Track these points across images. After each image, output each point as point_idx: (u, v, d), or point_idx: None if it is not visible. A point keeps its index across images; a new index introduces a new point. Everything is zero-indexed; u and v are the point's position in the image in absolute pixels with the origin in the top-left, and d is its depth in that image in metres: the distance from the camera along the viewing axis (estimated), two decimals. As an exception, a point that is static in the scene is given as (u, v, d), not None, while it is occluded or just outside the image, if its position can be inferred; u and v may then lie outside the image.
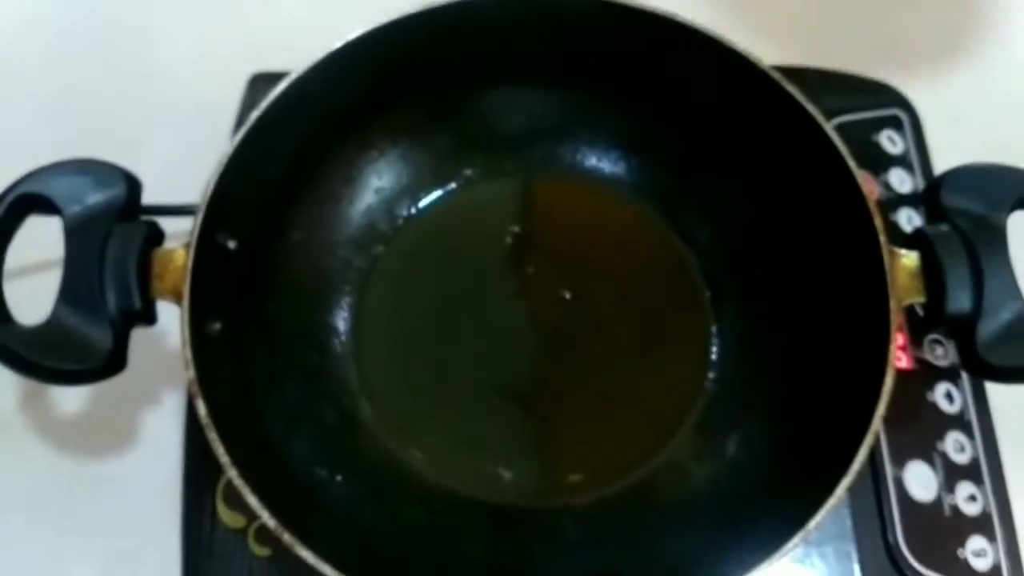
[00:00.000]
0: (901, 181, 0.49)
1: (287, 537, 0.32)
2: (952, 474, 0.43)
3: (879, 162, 0.50)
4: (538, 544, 0.40)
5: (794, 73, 0.40)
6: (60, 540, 0.44)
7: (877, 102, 0.51)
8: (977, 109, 0.55)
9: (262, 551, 0.41)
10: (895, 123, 0.51)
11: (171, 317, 0.36)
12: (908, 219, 0.48)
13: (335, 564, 0.32)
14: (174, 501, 0.43)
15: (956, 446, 0.43)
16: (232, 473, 0.33)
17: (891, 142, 0.50)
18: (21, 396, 0.46)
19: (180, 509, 0.43)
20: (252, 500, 0.33)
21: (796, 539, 0.32)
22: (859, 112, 0.50)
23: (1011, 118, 0.55)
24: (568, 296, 0.45)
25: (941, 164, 0.50)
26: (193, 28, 0.57)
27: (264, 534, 0.41)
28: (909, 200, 0.49)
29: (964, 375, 0.45)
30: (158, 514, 0.43)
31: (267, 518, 0.32)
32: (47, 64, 0.56)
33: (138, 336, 0.37)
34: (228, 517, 0.41)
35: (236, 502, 0.41)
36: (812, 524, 0.33)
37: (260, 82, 0.50)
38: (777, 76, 0.39)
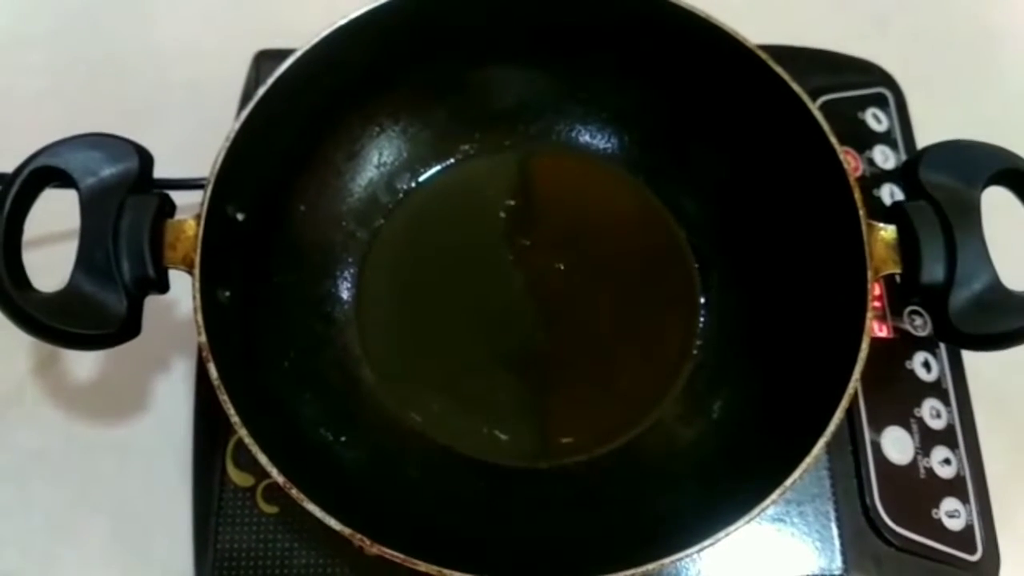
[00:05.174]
0: (885, 158, 0.51)
1: (295, 492, 0.34)
2: (928, 439, 0.44)
3: (864, 139, 0.51)
4: (532, 503, 0.42)
5: (782, 52, 0.42)
6: (75, 501, 0.45)
7: (863, 80, 0.53)
8: (961, 87, 0.56)
9: (270, 509, 0.42)
10: (880, 101, 0.52)
11: (181, 287, 0.38)
12: (891, 194, 0.50)
13: (341, 518, 0.33)
14: (184, 462, 0.45)
15: (932, 412, 0.45)
16: (243, 432, 0.34)
17: (876, 120, 0.52)
18: (35, 363, 0.48)
19: (190, 469, 0.44)
20: (262, 458, 0.34)
21: (775, 495, 0.34)
22: (845, 90, 0.52)
23: (995, 96, 0.56)
24: (562, 267, 0.47)
25: (924, 141, 0.51)
26: (200, 5, 0.58)
27: (272, 492, 0.42)
28: (892, 176, 0.50)
29: (942, 345, 0.47)
30: (169, 475, 0.45)
31: (276, 475, 0.34)
32: (59, 42, 0.56)
33: (148, 305, 0.38)
34: (237, 476, 0.43)
35: (245, 462, 0.43)
36: (790, 482, 0.34)
37: (265, 59, 0.51)
38: (764, 55, 0.41)
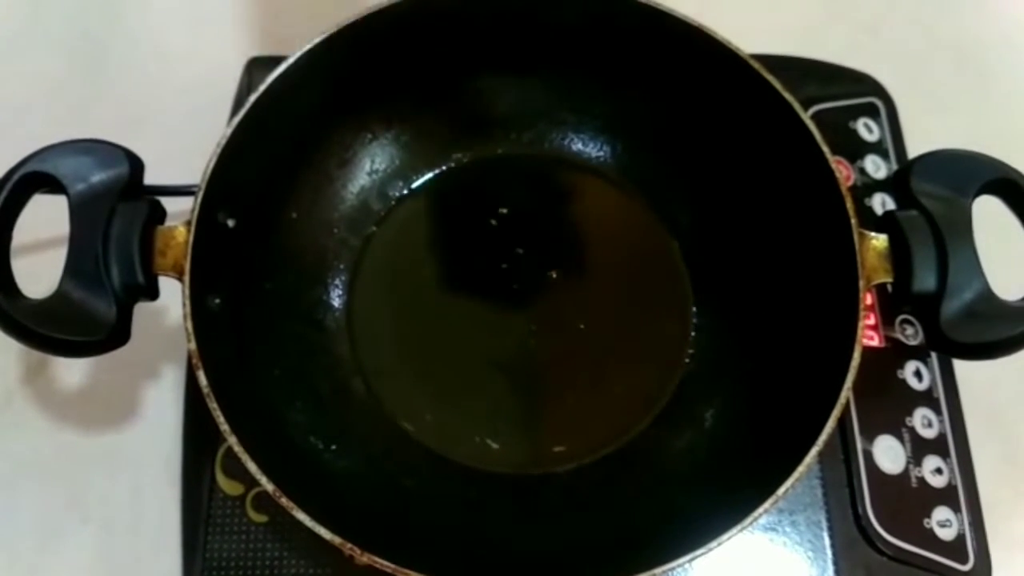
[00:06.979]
0: (876, 167, 0.51)
1: (285, 501, 0.33)
2: (920, 448, 0.45)
3: (856, 149, 0.51)
4: (523, 512, 0.42)
5: (775, 61, 0.42)
6: (63, 508, 0.45)
7: (855, 90, 0.53)
8: (952, 97, 0.57)
9: (259, 518, 0.42)
10: (872, 111, 0.52)
11: (170, 294, 0.37)
12: (882, 203, 0.50)
13: (331, 527, 0.33)
14: (173, 470, 0.45)
15: (924, 421, 0.45)
16: (232, 440, 0.34)
17: (868, 129, 0.52)
18: (24, 370, 0.48)
19: (179, 477, 0.44)
20: (251, 466, 0.34)
21: (767, 504, 0.34)
22: (837, 100, 0.52)
23: (986, 106, 0.56)
24: (554, 276, 0.47)
25: (915, 151, 0.51)
26: (192, 12, 0.58)
27: (261, 501, 0.42)
28: (883, 185, 0.50)
29: (933, 354, 0.47)
30: (158, 483, 0.45)
31: (266, 483, 0.34)
32: (50, 47, 0.56)
33: (138, 312, 0.38)
34: (226, 485, 0.43)
35: (234, 470, 0.43)
36: (782, 491, 0.34)
37: (258, 66, 0.51)
38: (757, 65, 0.41)
